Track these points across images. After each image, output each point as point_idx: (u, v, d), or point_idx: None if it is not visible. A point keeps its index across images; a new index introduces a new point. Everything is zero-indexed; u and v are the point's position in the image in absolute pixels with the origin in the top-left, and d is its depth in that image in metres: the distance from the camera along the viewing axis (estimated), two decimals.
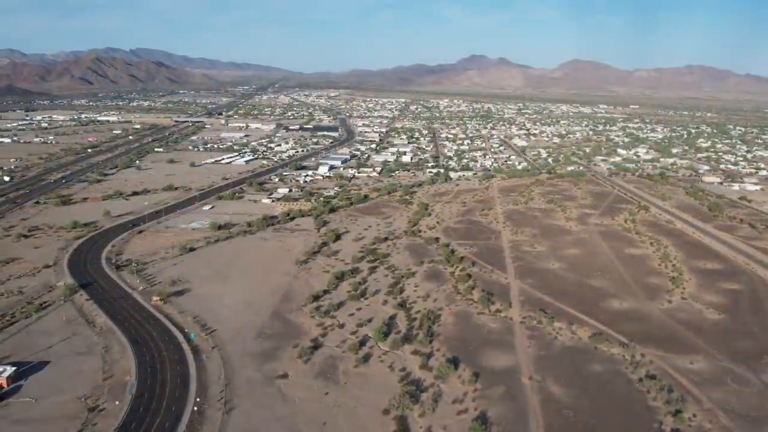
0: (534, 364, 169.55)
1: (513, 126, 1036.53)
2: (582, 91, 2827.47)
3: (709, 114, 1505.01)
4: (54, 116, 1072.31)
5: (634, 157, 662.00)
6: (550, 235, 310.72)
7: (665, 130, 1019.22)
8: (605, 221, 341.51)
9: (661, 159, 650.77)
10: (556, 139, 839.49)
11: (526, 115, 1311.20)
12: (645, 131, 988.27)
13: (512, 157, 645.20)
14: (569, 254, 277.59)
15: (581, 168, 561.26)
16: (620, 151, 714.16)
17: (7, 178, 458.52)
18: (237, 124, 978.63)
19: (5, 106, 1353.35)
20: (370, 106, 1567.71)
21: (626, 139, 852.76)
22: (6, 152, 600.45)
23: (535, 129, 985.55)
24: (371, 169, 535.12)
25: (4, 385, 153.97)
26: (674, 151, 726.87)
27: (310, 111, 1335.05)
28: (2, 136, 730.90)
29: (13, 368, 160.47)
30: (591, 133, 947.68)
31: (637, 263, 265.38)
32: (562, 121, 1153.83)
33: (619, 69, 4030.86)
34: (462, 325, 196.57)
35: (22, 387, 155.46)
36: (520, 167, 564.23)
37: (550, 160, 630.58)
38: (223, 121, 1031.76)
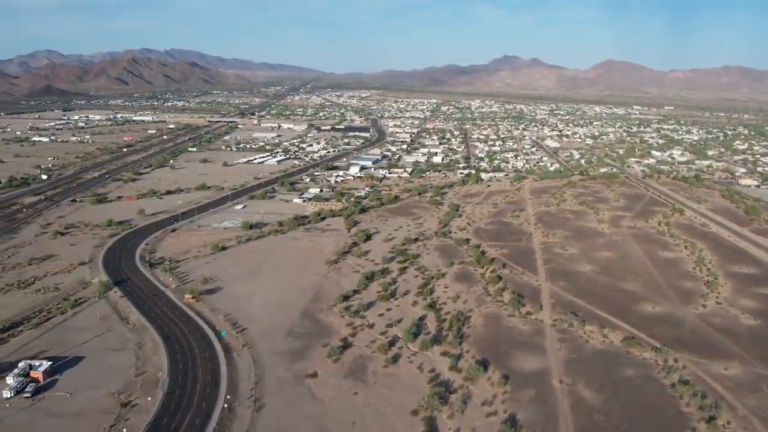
0: (565, 367, 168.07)
1: (545, 127, 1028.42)
2: (616, 92, 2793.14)
3: (746, 115, 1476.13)
4: (90, 116, 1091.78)
5: (669, 159, 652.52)
6: (582, 237, 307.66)
7: (701, 131, 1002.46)
8: (639, 224, 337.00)
9: (696, 161, 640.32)
10: (589, 141, 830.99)
11: (559, 116, 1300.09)
12: (680, 133, 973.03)
13: (544, 159, 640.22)
14: (601, 257, 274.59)
15: (614, 170, 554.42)
16: (654, 152, 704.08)
17: (44, 177, 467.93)
18: (269, 125, 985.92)
19: (44, 106, 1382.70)
20: (401, 106, 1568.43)
21: (661, 141, 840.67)
22: (44, 151, 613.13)
23: (568, 130, 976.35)
24: (402, 170, 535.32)
25: (41, 379, 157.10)
26: (710, 153, 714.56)
27: (341, 111, 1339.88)
28: (40, 136, 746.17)
29: (49, 363, 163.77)
30: (625, 134, 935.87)
31: (671, 267, 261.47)
32: (595, 123, 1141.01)
33: (654, 70, 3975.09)
34: (492, 327, 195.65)
35: (57, 381, 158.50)
36: (552, 169, 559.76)
37: (582, 161, 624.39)
38: (255, 122, 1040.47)
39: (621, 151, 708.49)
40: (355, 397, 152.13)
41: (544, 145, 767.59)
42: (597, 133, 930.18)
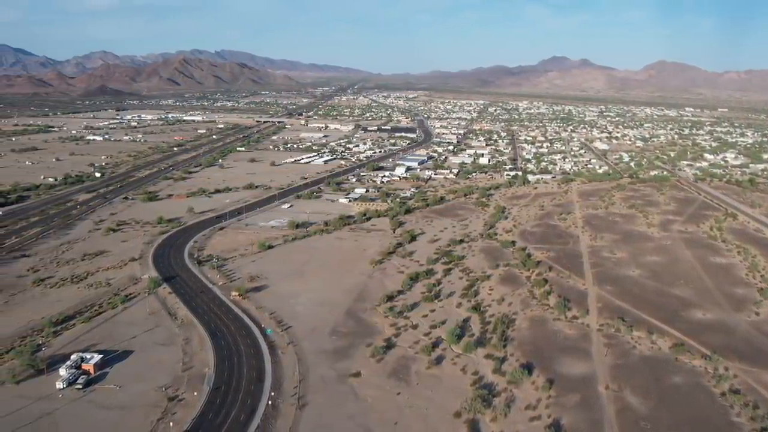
0: (611, 373, 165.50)
1: (594, 129, 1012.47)
2: (667, 94, 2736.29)
3: None
4: (143, 115, 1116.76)
5: (722, 163, 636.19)
6: (630, 241, 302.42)
7: (756, 134, 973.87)
8: (689, 228, 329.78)
9: (750, 164, 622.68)
10: (639, 143, 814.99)
11: (608, 118, 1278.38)
12: (734, 135, 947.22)
13: (593, 161, 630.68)
14: (650, 261, 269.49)
15: (665, 173, 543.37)
16: (707, 155, 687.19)
17: (98, 175, 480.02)
18: (316, 125, 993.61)
19: (98, 106, 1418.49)
20: (448, 107, 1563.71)
21: (714, 144, 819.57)
22: (98, 150, 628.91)
23: (618, 132, 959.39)
24: (448, 171, 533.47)
25: (92, 371, 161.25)
26: (765, 156, 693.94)
27: (388, 112, 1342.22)
28: (95, 135, 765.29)
29: (100, 356, 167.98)
30: (676, 136, 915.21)
31: (723, 272, 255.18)
32: (645, 125, 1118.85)
33: (707, 71, 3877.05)
34: (537, 331, 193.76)
35: (107, 374, 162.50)
36: (600, 171, 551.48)
37: (632, 164, 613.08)
38: (303, 122, 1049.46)
39: (672, 154, 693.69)
40: (398, 397, 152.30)
41: (593, 147, 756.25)
42: (647, 136, 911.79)
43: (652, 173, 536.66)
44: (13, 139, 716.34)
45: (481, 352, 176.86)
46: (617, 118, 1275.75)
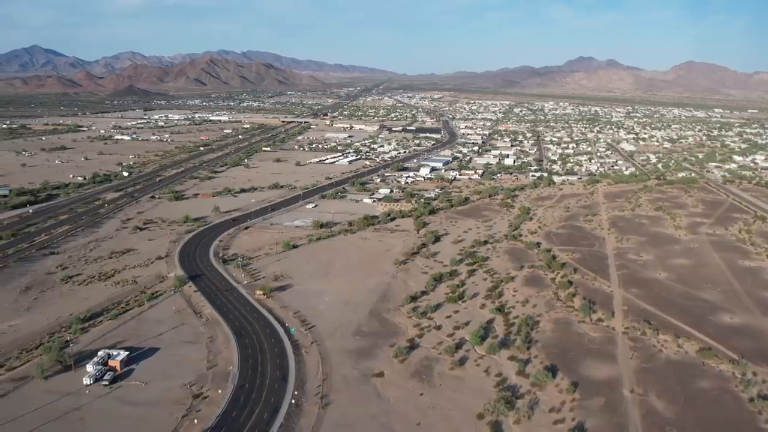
0: (636, 376, 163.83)
1: (621, 130, 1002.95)
2: (696, 95, 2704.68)
3: None
4: (170, 115, 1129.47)
5: (752, 165, 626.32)
6: (657, 243, 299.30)
7: None
8: (718, 231, 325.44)
9: None
10: (667, 144, 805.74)
11: (635, 119, 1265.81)
12: (764, 137, 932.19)
13: (619, 162, 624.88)
14: (677, 264, 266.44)
15: (693, 174, 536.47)
16: (736, 157, 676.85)
17: (126, 174, 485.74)
18: (341, 125, 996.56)
19: (126, 106, 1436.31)
20: (473, 108, 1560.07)
21: (743, 145, 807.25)
22: (125, 149, 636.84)
23: (645, 133, 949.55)
24: (473, 172, 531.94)
25: (118, 368, 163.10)
26: None
27: (413, 113, 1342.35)
28: (123, 134, 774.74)
29: (126, 353, 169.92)
30: (704, 138, 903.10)
31: (752, 276, 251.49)
32: (673, 126, 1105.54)
33: (737, 72, 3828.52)
34: (561, 333, 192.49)
35: (133, 371, 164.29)
36: (627, 172, 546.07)
37: (659, 165, 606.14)
38: (328, 122, 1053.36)
39: (700, 156, 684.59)
40: (421, 398, 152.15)
41: (620, 149, 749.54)
42: (675, 137, 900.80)
43: (680, 175, 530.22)
44: (44, 138, 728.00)
45: (504, 354, 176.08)
46: (644, 119, 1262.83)
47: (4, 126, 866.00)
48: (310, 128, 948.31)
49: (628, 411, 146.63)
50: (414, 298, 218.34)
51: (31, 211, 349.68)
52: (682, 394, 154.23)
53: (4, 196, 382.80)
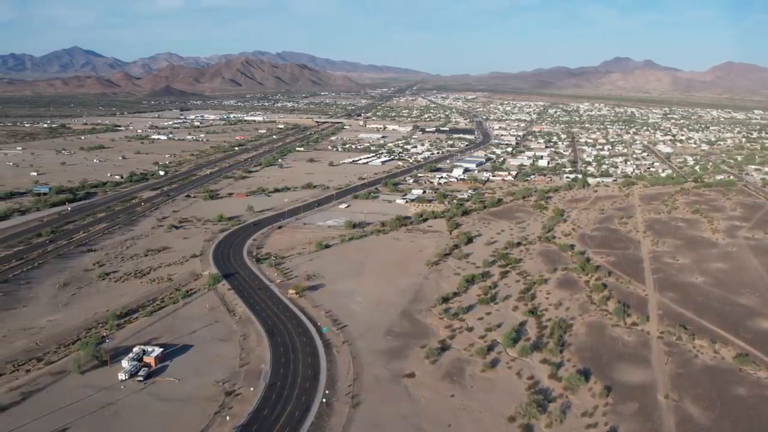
0: (671, 381, 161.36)
1: (657, 131, 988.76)
2: (735, 96, 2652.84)
3: None
4: (205, 115, 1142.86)
5: None
6: (694, 246, 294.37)
7: None
8: (757, 235, 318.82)
9: None
10: (705, 146, 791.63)
11: (672, 121, 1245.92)
12: None
13: (656, 164, 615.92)
14: (714, 268, 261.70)
15: (731, 177, 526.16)
16: None
17: (162, 173, 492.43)
18: (375, 126, 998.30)
19: (163, 106, 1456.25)
20: (507, 109, 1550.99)
21: None
22: (162, 149, 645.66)
23: (682, 135, 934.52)
24: (506, 173, 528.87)
25: (153, 364, 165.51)
26: None
27: (446, 113, 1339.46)
28: (159, 134, 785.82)
29: (161, 349, 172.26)
30: (744, 140, 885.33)
31: None
32: (711, 127, 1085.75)
33: None
34: (595, 337, 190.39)
35: (167, 367, 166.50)
36: (663, 175, 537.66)
37: (697, 167, 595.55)
38: (361, 123, 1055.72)
39: (739, 158, 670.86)
40: (452, 399, 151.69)
41: (656, 150, 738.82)
42: (713, 139, 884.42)
43: (718, 177, 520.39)
44: (82, 137, 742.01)
45: (536, 357, 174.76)
46: (682, 121, 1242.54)
47: (45, 125, 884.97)
48: (344, 129, 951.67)
49: (663, 417, 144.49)
50: (446, 299, 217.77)
51: (69, 209, 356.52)
52: (718, 401, 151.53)
53: (44, 194, 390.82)
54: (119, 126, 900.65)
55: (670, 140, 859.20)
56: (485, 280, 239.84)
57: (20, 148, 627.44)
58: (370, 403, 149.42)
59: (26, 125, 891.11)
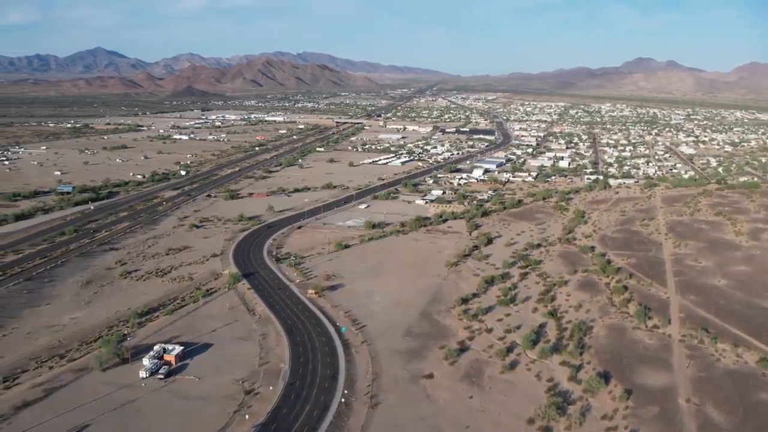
0: (693, 385, 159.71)
1: (680, 132, 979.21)
2: (760, 96, 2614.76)
3: None
4: (226, 116, 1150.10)
5: None
6: (717, 249, 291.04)
7: None
8: None
9: None
10: (728, 148, 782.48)
11: (695, 122, 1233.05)
12: None
13: (678, 165, 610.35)
14: (738, 271, 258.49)
15: (755, 179, 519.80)
16: None
17: (183, 173, 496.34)
18: (394, 126, 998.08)
19: (184, 106, 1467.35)
20: (528, 109, 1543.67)
21: None
22: (183, 149, 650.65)
23: (705, 136, 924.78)
24: (527, 174, 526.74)
25: (173, 362, 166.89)
26: None
27: (466, 114, 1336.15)
28: (181, 134, 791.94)
29: (181, 348, 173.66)
30: None
31: None
32: (735, 128, 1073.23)
33: None
34: (615, 339, 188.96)
35: (187, 366, 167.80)
36: (686, 176, 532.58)
37: (720, 169, 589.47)
38: (381, 123, 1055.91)
39: (763, 160, 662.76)
40: (471, 400, 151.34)
41: (679, 152, 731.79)
42: (737, 140, 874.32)
43: (742, 179, 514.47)
44: (105, 137, 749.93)
45: (556, 359, 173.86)
46: (705, 122, 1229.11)
47: (69, 125, 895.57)
48: (364, 129, 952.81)
49: (684, 421, 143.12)
50: (465, 300, 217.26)
51: (92, 207, 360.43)
52: (740, 405, 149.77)
53: (68, 193, 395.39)
54: (141, 126, 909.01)
55: (693, 141, 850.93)
56: (505, 282, 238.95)
57: (44, 148, 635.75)
58: (388, 403, 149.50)
59: (50, 125, 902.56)
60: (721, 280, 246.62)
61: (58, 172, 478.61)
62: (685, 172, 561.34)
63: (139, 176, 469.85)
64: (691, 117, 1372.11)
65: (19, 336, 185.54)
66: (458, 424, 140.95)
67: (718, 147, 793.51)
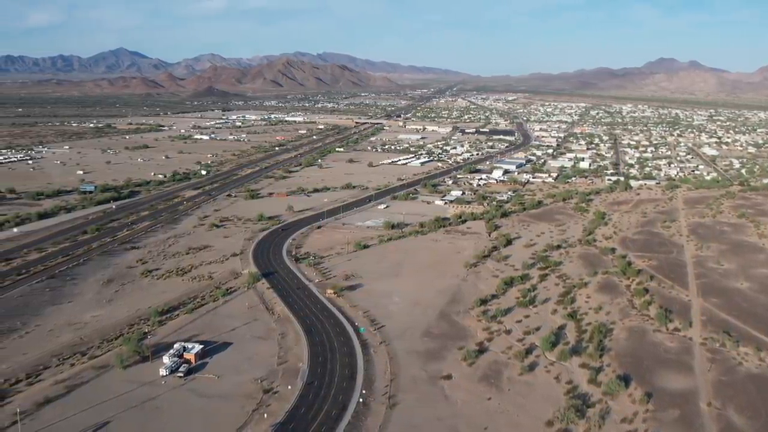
0: (714, 389, 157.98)
1: (703, 133, 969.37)
2: None
3: None
4: (247, 116, 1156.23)
5: None
6: (739, 251, 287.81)
7: None
8: None
9: None
10: (752, 149, 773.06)
11: (718, 122, 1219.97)
12: None
13: (700, 167, 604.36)
14: (761, 274, 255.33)
15: None
16: None
17: (204, 172, 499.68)
18: (414, 127, 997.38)
19: (205, 106, 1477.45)
20: (548, 110, 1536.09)
21: None
22: (204, 149, 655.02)
23: (728, 137, 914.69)
24: (547, 175, 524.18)
25: (193, 361, 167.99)
26: None
27: (486, 114, 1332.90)
28: (202, 134, 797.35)
29: (201, 346, 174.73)
30: None
31: None
32: (759, 130, 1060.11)
33: None
34: (636, 342, 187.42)
35: (207, 364, 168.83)
36: (708, 178, 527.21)
37: (743, 171, 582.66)
38: (401, 123, 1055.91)
39: None
40: (489, 402, 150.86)
41: (701, 153, 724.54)
42: (761, 141, 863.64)
43: (765, 181, 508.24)
44: (127, 137, 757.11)
45: (576, 361, 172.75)
46: (728, 123, 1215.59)
47: (91, 125, 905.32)
48: (383, 129, 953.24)
49: (705, 425, 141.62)
50: (484, 302, 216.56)
51: (114, 207, 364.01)
52: (763, 410, 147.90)
53: (90, 192, 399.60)
54: (163, 126, 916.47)
55: (716, 142, 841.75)
56: (524, 283, 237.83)
57: (67, 147, 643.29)
58: (406, 403, 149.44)
59: (73, 125, 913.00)
60: (744, 282, 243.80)
61: (81, 172, 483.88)
62: (708, 174, 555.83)
63: (160, 176, 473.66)
64: (714, 118, 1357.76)
65: (41, 333, 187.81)
66: (476, 426, 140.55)
67: (741, 148, 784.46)
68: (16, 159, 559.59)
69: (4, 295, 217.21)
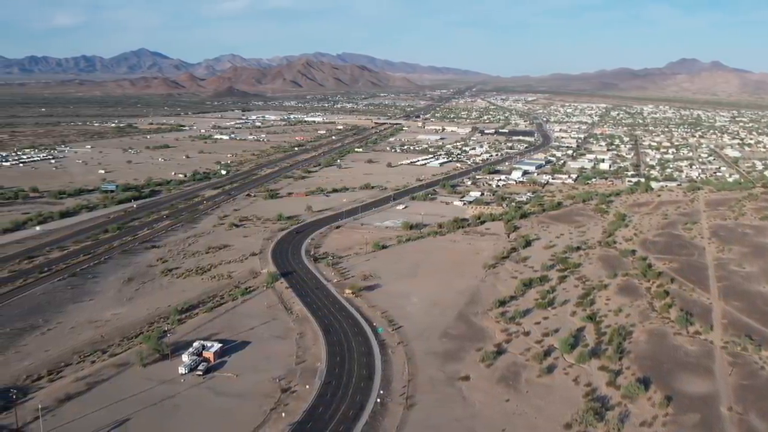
0: (735, 393, 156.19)
1: (725, 135, 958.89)
2: None
3: None
4: (266, 116, 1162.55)
5: None
6: (762, 254, 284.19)
7: None
8: None
9: None
10: None
11: (741, 124, 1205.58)
12: None
13: (722, 168, 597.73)
14: None
15: None
16: None
17: (224, 172, 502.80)
18: (433, 127, 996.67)
19: (225, 107, 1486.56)
20: (568, 111, 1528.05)
21: None
22: (224, 148, 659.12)
23: (751, 138, 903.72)
24: (566, 176, 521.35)
25: (212, 359, 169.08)
26: None
27: (506, 115, 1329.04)
28: (222, 134, 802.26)
29: (220, 345, 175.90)
30: None
31: None
32: None
33: None
34: (656, 345, 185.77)
35: (225, 363, 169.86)
36: (731, 179, 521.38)
37: (766, 172, 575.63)
38: (420, 124, 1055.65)
39: None
40: (507, 404, 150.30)
41: (723, 154, 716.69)
42: None
43: None
44: (148, 137, 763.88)
45: (595, 364, 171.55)
46: (751, 124, 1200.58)
47: (113, 125, 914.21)
48: (402, 130, 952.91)
49: (726, 429, 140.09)
50: (503, 303, 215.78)
51: (135, 206, 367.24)
52: None
53: (111, 191, 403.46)
54: (183, 126, 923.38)
55: (739, 144, 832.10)
56: (543, 284, 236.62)
57: (89, 147, 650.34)
58: (424, 404, 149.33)
59: (95, 124, 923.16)
60: (766, 286, 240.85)
61: (103, 171, 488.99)
62: (730, 175, 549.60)
63: (180, 175, 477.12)
64: (737, 119, 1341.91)
65: (63, 330, 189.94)
66: (494, 427, 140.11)
67: (764, 150, 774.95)
68: (39, 158, 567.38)
69: (26, 293, 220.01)
